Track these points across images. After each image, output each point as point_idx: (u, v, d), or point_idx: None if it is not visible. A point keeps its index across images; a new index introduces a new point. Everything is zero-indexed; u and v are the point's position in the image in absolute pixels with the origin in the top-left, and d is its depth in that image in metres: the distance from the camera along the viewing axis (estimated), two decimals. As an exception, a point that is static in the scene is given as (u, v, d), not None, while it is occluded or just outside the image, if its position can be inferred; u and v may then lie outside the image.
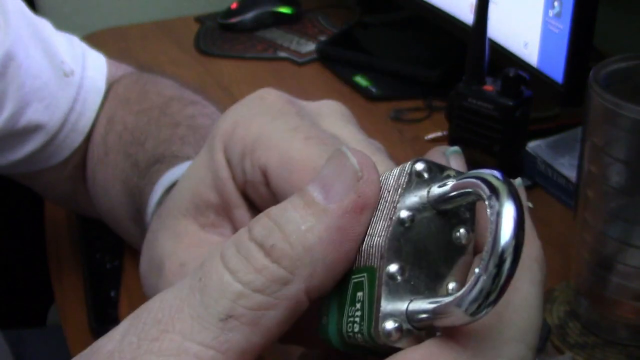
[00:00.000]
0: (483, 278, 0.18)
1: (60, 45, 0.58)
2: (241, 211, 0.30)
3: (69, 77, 0.57)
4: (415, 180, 0.21)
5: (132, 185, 0.50)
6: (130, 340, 0.22)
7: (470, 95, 0.70)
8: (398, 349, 0.21)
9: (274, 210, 0.22)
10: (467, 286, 0.19)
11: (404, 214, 0.21)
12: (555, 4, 0.73)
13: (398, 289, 0.21)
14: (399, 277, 0.21)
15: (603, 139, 0.53)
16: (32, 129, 0.55)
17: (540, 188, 0.79)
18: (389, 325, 0.20)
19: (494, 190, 0.19)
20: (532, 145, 0.79)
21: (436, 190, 0.21)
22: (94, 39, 0.64)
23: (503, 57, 0.83)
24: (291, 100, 0.29)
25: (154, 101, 0.55)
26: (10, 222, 1.15)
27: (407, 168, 0.22)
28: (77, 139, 0.58)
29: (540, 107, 0.82)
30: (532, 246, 0.22)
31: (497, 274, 0.18)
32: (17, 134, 0.55)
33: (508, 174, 0.20)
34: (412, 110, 0.95)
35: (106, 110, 0.58)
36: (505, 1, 0.82)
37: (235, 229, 0.31)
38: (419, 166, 0.21)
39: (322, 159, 0.24)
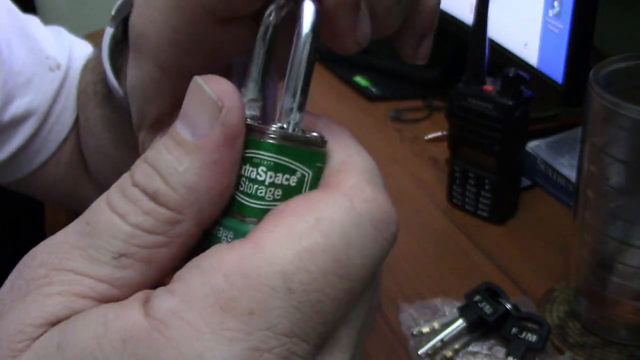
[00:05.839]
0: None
1: (45, 41, 0.58)
2: None
3: (54, 72, 0.57)
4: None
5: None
6: (18, 284, 0.21)
7: (470, 95, 0.70)
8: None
9: (149, 154, 0.22)
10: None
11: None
12: (555, 4, 0.73)
13: None
14: None
15: (603, 139, 0.53)
16: (15, 125, 0.55)
17: (540, 188, 0.79)
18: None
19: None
20: (532, 145, 0.79)
21: None
22: (94, 39, 0.64)
23: (503, 57, 0.83)
24: None
25: None
26: (11, 224, 1.15)
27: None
28: (63, 130, 0.58)
29: (540, 107, 0.82)
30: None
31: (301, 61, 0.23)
32: (0, 130, 0.55)
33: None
34: (412, 110, 0.95)
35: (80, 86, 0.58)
36: (505, 1, 0.82)
37: None
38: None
39: None
